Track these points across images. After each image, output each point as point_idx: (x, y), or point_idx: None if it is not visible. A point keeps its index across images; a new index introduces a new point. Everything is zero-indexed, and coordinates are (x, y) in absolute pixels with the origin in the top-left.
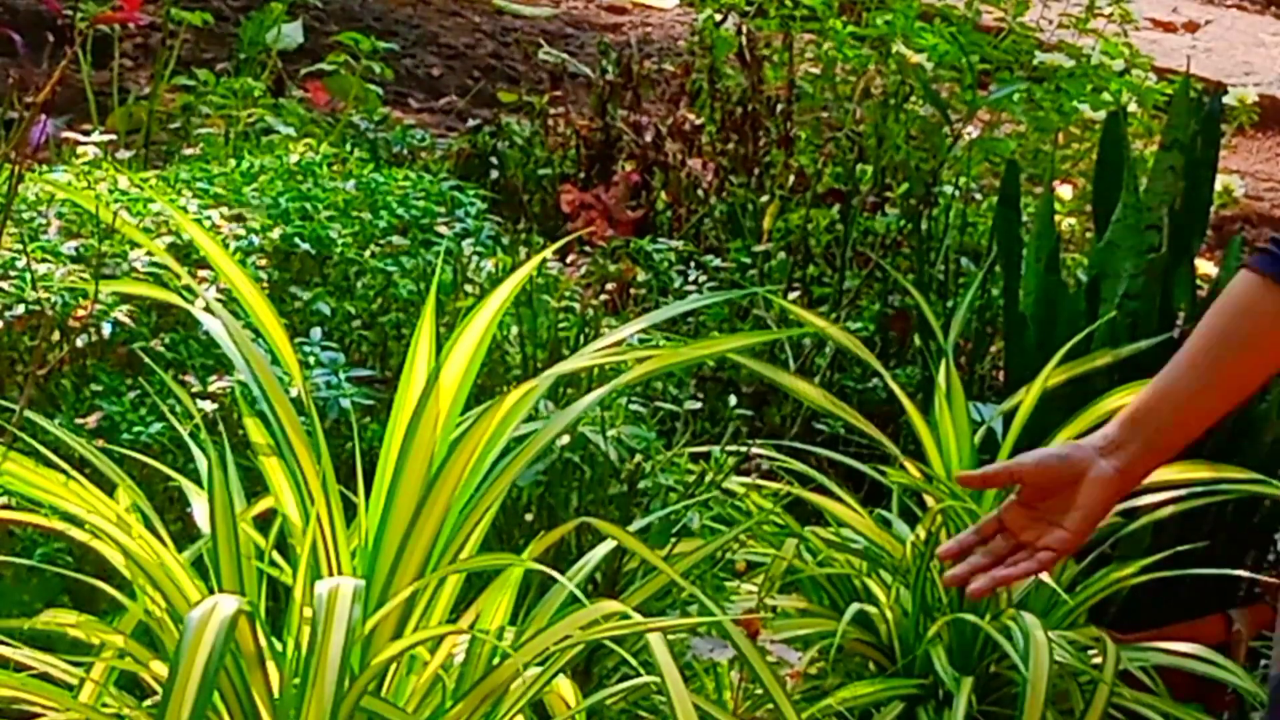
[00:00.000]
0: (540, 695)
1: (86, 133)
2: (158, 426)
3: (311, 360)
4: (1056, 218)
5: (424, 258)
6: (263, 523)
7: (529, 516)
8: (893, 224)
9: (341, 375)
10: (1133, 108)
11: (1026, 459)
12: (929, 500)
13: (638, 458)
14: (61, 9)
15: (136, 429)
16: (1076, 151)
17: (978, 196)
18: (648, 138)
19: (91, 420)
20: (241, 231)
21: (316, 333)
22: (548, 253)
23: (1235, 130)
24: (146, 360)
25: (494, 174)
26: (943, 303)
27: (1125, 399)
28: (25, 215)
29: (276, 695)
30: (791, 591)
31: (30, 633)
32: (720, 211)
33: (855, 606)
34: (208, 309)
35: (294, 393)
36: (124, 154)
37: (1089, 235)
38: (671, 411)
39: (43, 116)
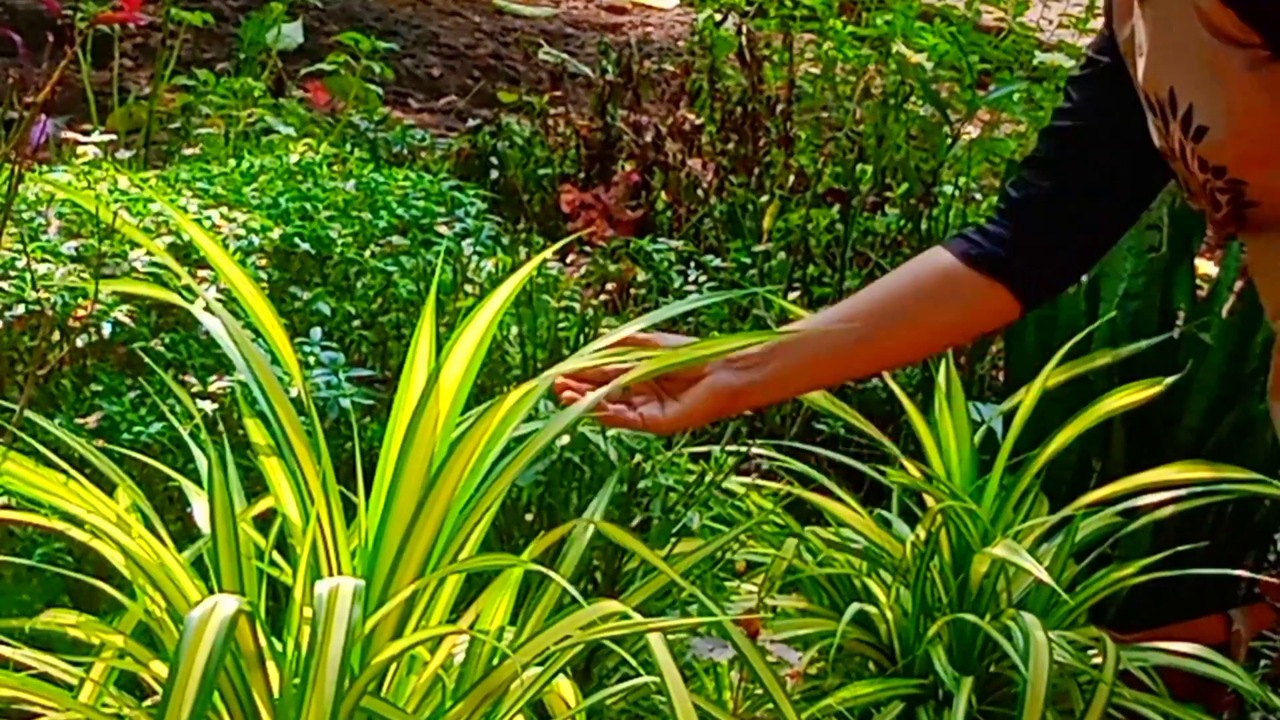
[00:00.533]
0: (540, 695)
1: (86, 133)
2: (158, 426)
3: (311, 360)
4: None
5: (424, 258)
6: (263, 523)
7: (529, 516)
8: (893, 224)
9: (341, 375)
10: None
11: (668, 339)
12: (929, 500)
13: (638, 458)
14: (61, 9)
15: (136, 429)
16: None
17: (978, 196)
18: (648, 138)
19: (91, 420)
20: (241, 231)
21: (316, 333)
22: (548, 253)
23: None
24: (146, 360)
25: (494, 174)
26: None
27: (1126, 399)
28: (25, 215)
29: (276, 695)
30: (791, 591)
31: (30, 633)
32: (720, 211)
33: (855, 606)
34: (208, 309)
35: (294, 393)
36: (124, 154)
37: None
38: None
39: (43, 116)
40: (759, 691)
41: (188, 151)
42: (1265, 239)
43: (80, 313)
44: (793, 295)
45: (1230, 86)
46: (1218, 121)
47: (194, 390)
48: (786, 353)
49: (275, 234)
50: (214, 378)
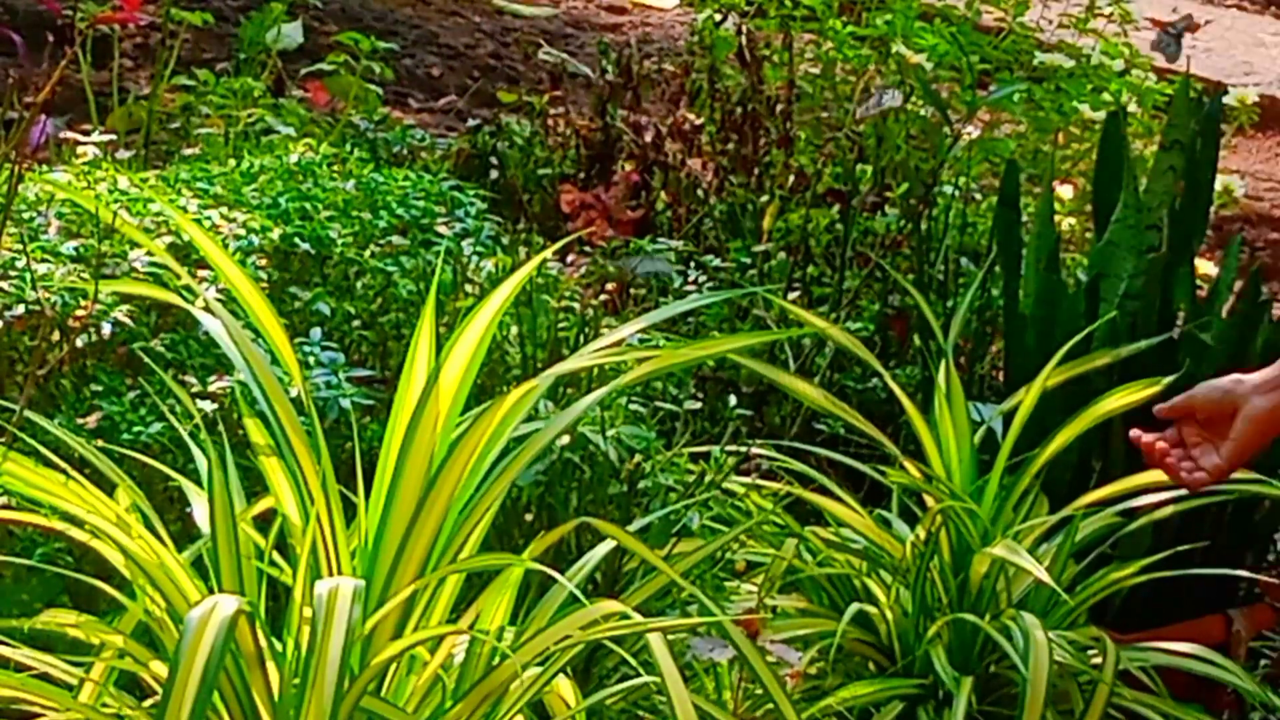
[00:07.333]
0: (540, 695)
1: (86, 133)
2: (158, 426)
3: (311, 360)
4: (1056, 218)
5: (424, 258)
6: (263, 523)
7: (529, 516)
8: (893, 224)
9: (341, 375)
10: (1133, 108)
11: (1197, 391)
12: (929, 500)
13: (638, 458)
14: (61, 9)
15: (136, 429)
16: (1076, 151)
17: (978, 196)
18: (648, 138)
19: (91, 420)
20: (241, 231)
21: (316, 333)
22: (548, 253)
23: (1235, 130)
24: (146, 360)
25: (494, 174)
26: (943, 303)
27: (1126, 399)
28: (25, 215)
29: (276, 695)
30: (791, 591)
31: (30, 633)
32: (720, 211)
33: (855, 606)
34: (208, 309)
35: (294, 393)
36: (124, 154)
37: (1089, 235)
38: (671, 411)
39: (43, 116)
40: (759, 691)
41: (188, 151)
42: None
43: (80, 313)
44: (793, 295)
45: None
46: None
47: (194, 390)
48: None
49: (275, 234)
50: (214, 378)
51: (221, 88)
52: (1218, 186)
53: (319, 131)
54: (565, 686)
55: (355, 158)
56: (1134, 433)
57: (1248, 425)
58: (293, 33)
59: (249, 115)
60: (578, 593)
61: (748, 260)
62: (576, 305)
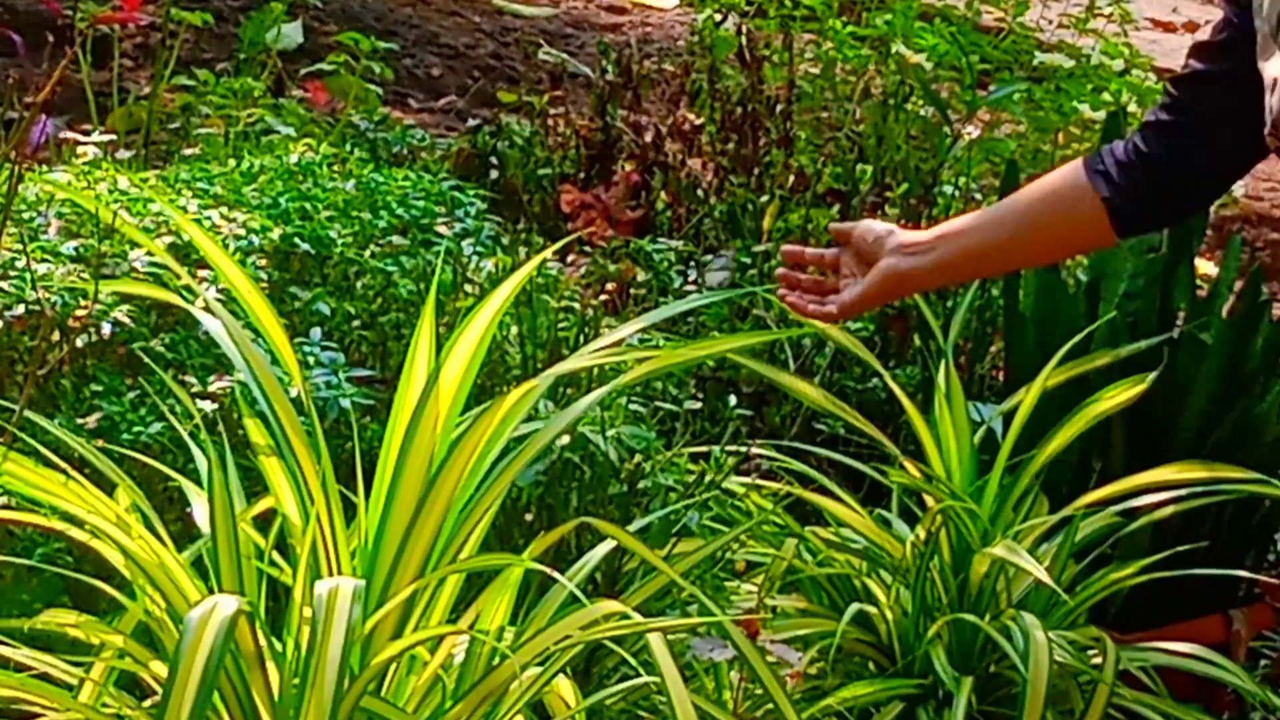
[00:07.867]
0: (540, 695)
1: (86, 133)
2: (158, 426)
3: (311, 360)
4: None
5: (424, 258)
6: (263, 523)
7: (529, 516)
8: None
9: (341, 375)
10: (1133, 108)
11: (859, 225)
12: (929, 500)
13: (638, 458)
14: (61, 9)
15: (136, 429)
16: (1076, 151)
17: (978, 196)
18: (648, 138)
19: (91, 420)
20: (241, 231)
21: (316, 333)
22: (548, 253)
23: None
24: (146, 360)
25: (494, 174)
26: (943, 303)
27: (1121, 395)
28: (25, 215)
29: (276, 695)
30: (791, 591)
31: (30, 633)
32: (720, 211)
33: (855, 606)
34: (208, 309)
35: (294, 393)
36: (124, 154)
37: None
38: (671, 411)
39: (43, 116)
40: (759, 691)
41: (188, 151)
42: None
43: (80, 313)
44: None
45: None
46: None
47: (194, 390)
48: (948, 244)
49: (275, 234)
50: (214, 378)
51: (221, 88)
52: None
53: (319, 131)
54: (565, 686)
55: (355, 158)
56: (790, 248)
57: (879, 277)
58: (293, 33)
59: (249, 115)
60: (578, 593)
61: (748, 260)
62: (576, 305)
